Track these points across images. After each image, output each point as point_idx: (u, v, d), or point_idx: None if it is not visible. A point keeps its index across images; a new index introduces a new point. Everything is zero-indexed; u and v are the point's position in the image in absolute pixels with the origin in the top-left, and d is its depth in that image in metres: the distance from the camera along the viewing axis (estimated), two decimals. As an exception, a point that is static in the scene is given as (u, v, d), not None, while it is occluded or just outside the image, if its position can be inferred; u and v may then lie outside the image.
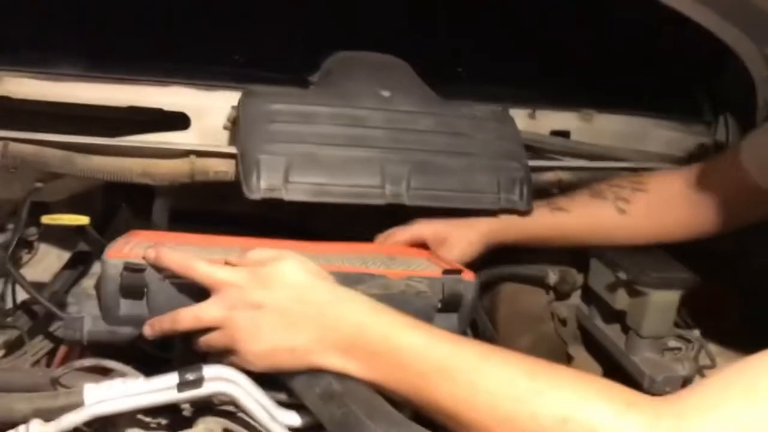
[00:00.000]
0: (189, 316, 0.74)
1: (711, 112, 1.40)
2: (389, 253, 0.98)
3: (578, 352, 1.18)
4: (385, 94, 1.09)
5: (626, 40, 1.25)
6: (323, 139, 1.01)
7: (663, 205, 1.07)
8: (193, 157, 1.02)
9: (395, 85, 1.10)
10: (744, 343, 1.12)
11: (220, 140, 1.12)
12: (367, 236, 1.08)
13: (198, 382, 0.70)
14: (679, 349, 1.07)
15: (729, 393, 0.57)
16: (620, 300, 1.07)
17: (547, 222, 1.08)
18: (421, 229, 1.06)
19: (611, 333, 1.11)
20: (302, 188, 0.97)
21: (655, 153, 1.36)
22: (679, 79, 1.36)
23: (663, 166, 1.27)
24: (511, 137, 1.12)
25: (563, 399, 0.61)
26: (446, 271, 0.87)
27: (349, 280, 0.78)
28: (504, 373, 0.64)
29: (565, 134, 1.30)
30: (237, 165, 1.00)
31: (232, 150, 1.02)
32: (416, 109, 1.09)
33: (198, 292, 0.75)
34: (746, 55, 1.25)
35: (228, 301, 0.72)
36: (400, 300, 0.82)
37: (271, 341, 0.70)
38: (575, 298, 1.23)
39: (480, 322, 1.16)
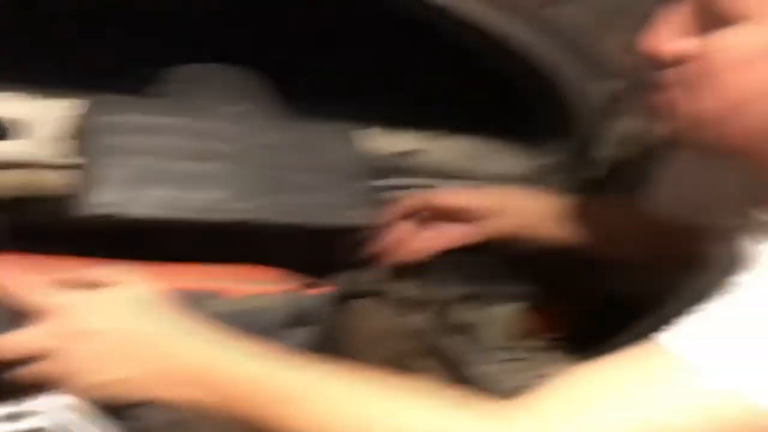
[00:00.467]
0: (12, 343, 0.67)
1: (546, 135, 1.49)
2: (237, 274, 0.96)
3: (425, 366, 1.21)
4: (236, 108, 1.08)
5: (472, 64, 1.30)
6: (170, 153, 0.98)
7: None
8: (27, 170, 0.96)
9: (246, 99, 1.09)
10: (580, 353, 1.20)
11: (58, 151, 1.06)
12: (216, 258, 1.04)
13: (18, 417, 0.64)
14: (522, 359, 1.12)
15: (583, 394, 0.61)
16: (464, 312, 1.10)
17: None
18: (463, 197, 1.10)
19: (458, 346, 1.14)
20: (146, 203, 0.93)
21: (490, 173, 1.42)
22: (521, 102, 1.43)
23: (507, 186, 1.34)
24: (358, 155, 1.14)
25: (418, 415, 0.62)
26: (294, 286, 0.86)
27: (191, 298, 0.75)
28: (356, 394, 0.64)
29: (413, 154, 1.34)
30: (76, 178, 0.94)
31: (72, 162, 0.97)
32: (267, 124, 1.08)
33: (27, 317, 0.69)
34: (571, 83, 1.34)
35: (59, 327, 0.67)
36: (246, 317, 0.80)
37: (106, 372, 0.66)
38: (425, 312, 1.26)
39: (331, 339, 1.16)
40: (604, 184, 1.34)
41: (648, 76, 0.72)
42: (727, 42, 0.64)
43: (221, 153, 1.01)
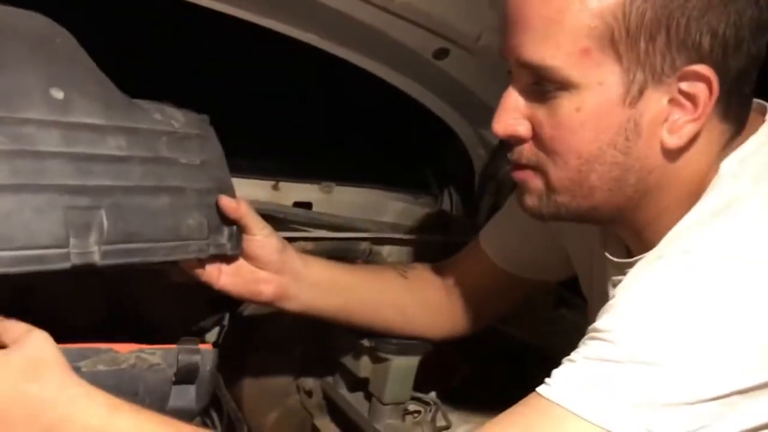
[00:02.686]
0: None
1: (437, 185, 1.53)
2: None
3: (324, 423, 1.19)
4: (58, 94, 0.75)
5: (362, 118, 1.32)
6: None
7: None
8: None
9: (69, 79, 0.77)
10: (473, 400, 1.22)
11: None
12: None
13: None
14: (419, 412, 1.12)
15: None
16: (363, 367, 1.09)
17: (336, 266, 1.02)
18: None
19: (355, 401, 1.13)
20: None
21: (389, 223, 1.44)
22: (410, 155, 1.47)
23: (397, 237, 1.36)
24: (217, 159, 0.90)
25: None
26: (181, 341, 0.81)
27: (73, 355, 0.70)
28: None
29: (307, 205, 1.33)
30: None
31: None
32: (102, 121, 0.78)
33: None
34: (465, 135, 1.39)
35: None
36: (131, 375, 0.75)
37: None
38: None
39: (222, 397, 1.12)
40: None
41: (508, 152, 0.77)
42: (559, 111, 0.68)
43: (49, 172, 0.73)
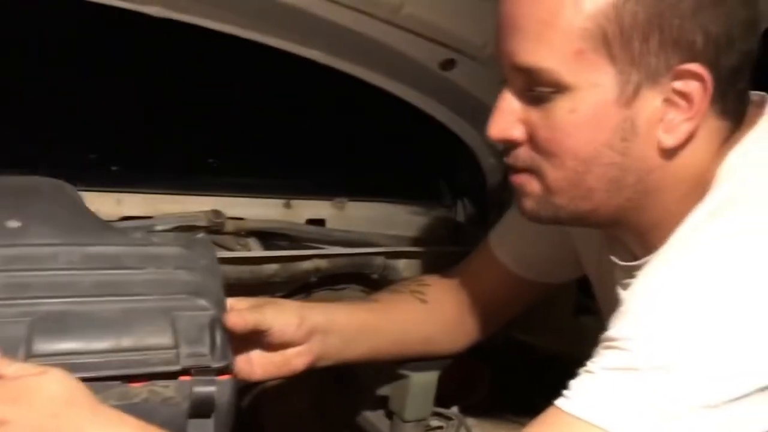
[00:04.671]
0: None
1: (450, 196, 1.52)
2: None
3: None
4: (13, 224, 0.80)
5: (373, 133, 1.32)
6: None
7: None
8: None
9: (33, 213, 0.82)
10: (496, 413, 1.20)
11: None
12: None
13: None
14: (441, 427, 1.11)
15: None
16: (383, 385, 1.08)
17: (359, 310, 1.01)
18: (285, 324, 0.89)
19: (376, 419, 1.11)
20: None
21: (403, 236, 1.43)
22: (421, 167, 1.46)
23: (412, 250, 1.34)
24: (204, 268, 0.83)
25: None
26: (196, 372, 0.79)
27: (97, 388, 0.69)
28: None
29: (320, 222, 1.32)
30: None
31: None
32: (57, 241, 0.79)
33: None
34: (476, 145, 1.38)
35: None
36: (144, 410, 0.71)
37: None
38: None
39: (243, 426, 1.11)
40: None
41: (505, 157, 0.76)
42: (554, 113, 0.68)
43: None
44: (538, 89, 0.68)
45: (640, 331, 0.63)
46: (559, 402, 0.65)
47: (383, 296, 1.06)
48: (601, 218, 0.74)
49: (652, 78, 0.66)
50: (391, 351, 1.02)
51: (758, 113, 0.73)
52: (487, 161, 1.41)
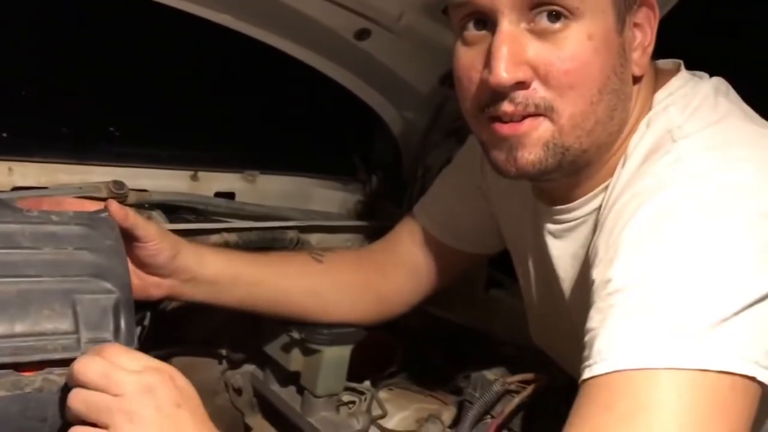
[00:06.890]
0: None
1: (364, 171, 1.50)
2: None
3: (256, 420, 1.15)
4: None
5: (286, 104, 1.28)
6: None
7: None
8: None
9: None
10: (408, 387, 1.20)
11: None
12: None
13: None
14: (353, 402, 1.09)
15: None
16: (294, 361, 1.06)
17: (238, 259, 0.98)
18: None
19: (287, 396, 1.09)
20: None
21: (317, 211, 1.41)
22: (335, 141, 1.43)
23: (324, 224, 1.32)
24: (108, 249, 0.77)
25: None
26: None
27: None
28: None
29: (229, 195, 1.28)
30: None
31: None
32: None
33: None
34: (391, 119, 1.37)
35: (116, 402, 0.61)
36: (38, 399, 0.66)
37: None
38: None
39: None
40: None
41: (486, 108, 0.73)
42: (569, 43, 0.68)
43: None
44: (555, 9, 0.68)
45: (641, 270, 0.64)
46: (599, 368, 0.63)
47: (277, 253, 1.07)
48: (582, 161, 0.75)
49: (629, 5, 0.71)
50: (273, 303, 1.00)
51: (675, 70, 0.78)
52: (402, 136, 1.41)
